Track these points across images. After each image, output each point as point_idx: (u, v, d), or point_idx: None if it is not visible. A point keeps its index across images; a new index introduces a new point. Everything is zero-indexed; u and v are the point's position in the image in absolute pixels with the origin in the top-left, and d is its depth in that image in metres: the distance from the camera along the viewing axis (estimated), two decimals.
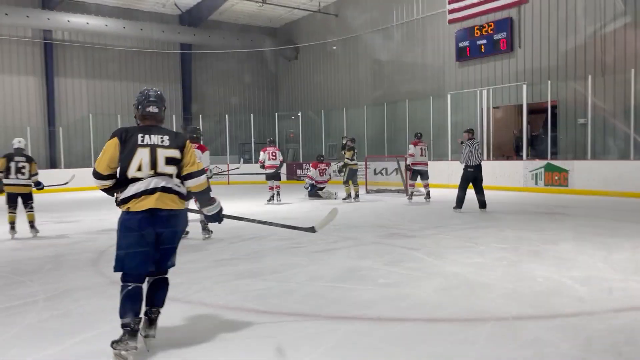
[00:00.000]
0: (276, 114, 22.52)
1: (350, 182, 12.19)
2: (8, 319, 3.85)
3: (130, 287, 3.07)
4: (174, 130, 3.69)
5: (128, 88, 21.99)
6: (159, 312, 3.30)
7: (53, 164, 19.86)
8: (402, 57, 19.26)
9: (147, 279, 3.26)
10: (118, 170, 3.17)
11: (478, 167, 9.55)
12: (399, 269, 5.19)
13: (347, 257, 5.89)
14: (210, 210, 3.42)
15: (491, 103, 16.03)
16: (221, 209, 3.46)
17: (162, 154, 3.19)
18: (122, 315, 3.03)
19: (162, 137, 3.23)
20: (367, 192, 14.27)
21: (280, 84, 25.81)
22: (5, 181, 7.66)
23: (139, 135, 3.19)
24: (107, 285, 4.77)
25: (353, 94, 21.40)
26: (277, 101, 25.89)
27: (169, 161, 3.22)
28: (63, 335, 3.47)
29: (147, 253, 3.12)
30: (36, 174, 7.89)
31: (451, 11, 17.23)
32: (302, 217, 9.38)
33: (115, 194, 3.23)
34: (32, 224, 7.86)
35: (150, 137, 3.20)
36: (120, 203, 3.16)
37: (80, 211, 11.45)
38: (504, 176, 14.08)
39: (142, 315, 3.15)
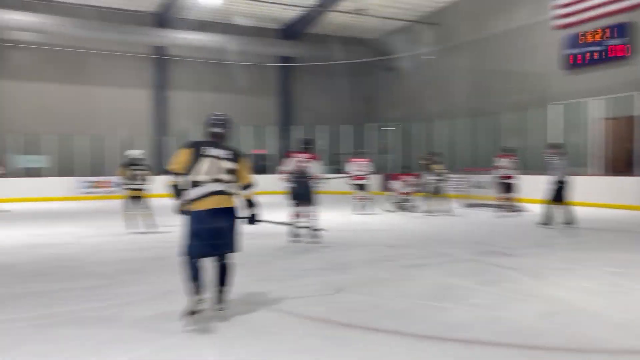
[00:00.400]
0: (370, 125, 22.50)
1: (435, 195, 11.86)
2: (113, 315, 4.12)
3: (191, 264, 3.92)
4: (236, 145, 4.34)
5: (230, 100, 23.06)
6: (227, 291, 4.13)
7: (163, 171, 21.25)
8: (502, 66, 18.45)
9: (214, 263, 4.07)
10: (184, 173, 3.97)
11: (564, 182, 9.11)
12: (495, 289, 4.90)
13: (439, 273, 5.67)
14: (251, 212, 4.24)
15: (603, 114, 14.83)
16: (256, 214, 4.27)
17: (221, 165, 3.99)
18: (188, 281, 3.93)
19: (223, 152, 4.03)
20: (463, 206, 13.76)
21: (375, 95, 25.74)
22: (127, 186, 9.07)
23: (205, 148, 4.00)
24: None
25: (449, 105, 20.83)
26: (370, 112, 25.84)
27: (227, 171, 4.01)
28: (160, 334, 3.64)
29: (207, 239, 3.91)
30: (150, 181, 9.15)
31: (559, 17, 16.24)
32: (385, 229, 9.24)
33: (179, 194, 4.00)
34: (149, 222, 9.02)
35: (213, 150, 4.00)
36: (186, 204, 3.97)
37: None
38: (615, 193, 12.93)
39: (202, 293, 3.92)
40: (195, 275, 3.91)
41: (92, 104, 20.79)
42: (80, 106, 20.60)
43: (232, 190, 4.05)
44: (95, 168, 19.22)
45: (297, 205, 7.81)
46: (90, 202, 16.22)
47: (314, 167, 7.78)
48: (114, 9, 20.53)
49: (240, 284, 5.12)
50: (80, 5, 19.93)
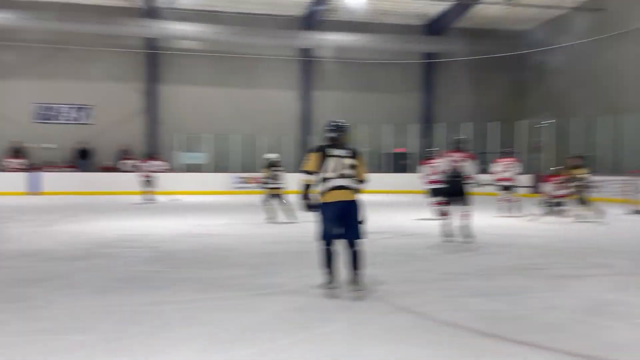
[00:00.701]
0: (520, 122, 21.09)
1: (584, 199, 10.68)
2: (257, 304, 4.37)
3: (325, 249, 4.64)
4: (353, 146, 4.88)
5: (372, 99, 23.24)
6: (360, 275, 4.59)
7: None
8: None
9: (346, 251, 4.65)
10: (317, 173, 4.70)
11: None
12: None
13: (597, 286, 5.09)
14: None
15: None
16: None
17: (344, 162, 4.69)
18: (322, 266, 4.67)
19: (343, 151, 4.75)
20: (630, 212, 12.26)
21: (526, 90, 24.06)
22: (268, 185, 10.55)
23: (330, 150, 4.74)
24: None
25: (612, 99, 18.69)
26: (520, 108, 24.20)
27: (349, 166, 4.70)
28: (298, 327, 3.78)
29: (336, 227, 4.58)
30: (286, 179, 10.56)
31: None
32: (533, 234, 8.54)
33: (310, 189, 4.73)
34: (290, 215, 10.13)
35: (335, 151, 4.73)
36: (317, 198, 4.69)
37: None
38: None
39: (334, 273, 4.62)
40: (328, 259, 4.63)
41: (244, 105, 22.38)
42: (235, 107, 22.29)
43: (355, 186, 4.71)
44: (247, 165, 20.66)
45: (448, 204, 7.72)
46: (242, 197, 17.44)
47: (469, 167, 7.66)
48: (265, 15, 21.85)
49: (380, 282, 5.13)
50: (236, 13, 21.54)
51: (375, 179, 22.02)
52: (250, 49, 21.91)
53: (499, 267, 6.06)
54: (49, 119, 20.83)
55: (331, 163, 4.68)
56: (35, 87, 20.63)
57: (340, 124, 4.95)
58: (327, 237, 4.63)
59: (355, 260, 4.61)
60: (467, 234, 7.60)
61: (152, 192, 15.22)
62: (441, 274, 5.66)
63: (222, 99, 22.21)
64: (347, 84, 23.25)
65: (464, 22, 22.61)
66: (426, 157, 11.79)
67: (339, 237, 4.63)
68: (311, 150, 4.85)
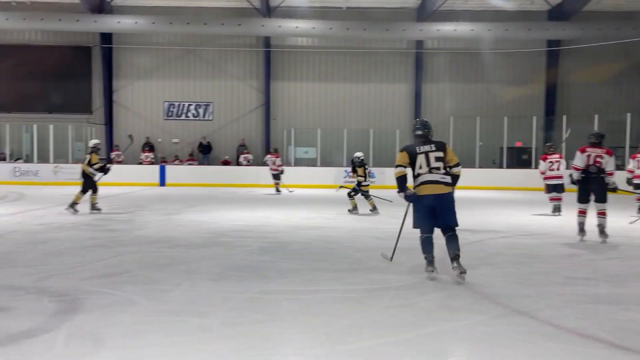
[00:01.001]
0: None
1: None
2: (366, 299, 4.36)
3: (424, 238, 5.17)
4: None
5: (489, 90, 22.19)
6: (458, 256, 4.97)
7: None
8: None
9: (445, 236, 5.10)
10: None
11: None
12: None
13: None
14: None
15: None
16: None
17: (432, 156, 5.11)
18: (424, 252, 5.14)
19: (430, 146, 5.16)
20: None
21: None
22: (363, 183, 11.05)
23: (418, 147, 5.18)
24: (451, 284, 4.87)
25: None
26: None
27: (437, 159, 5.10)
28: (405, 325, 3.71)
29: (429, 218, 5.09)
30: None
31: None
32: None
33: (403, 185, 5.20)
34: (374, 209, 10.89)
35: (423, 147, 5.16)
36: (412, 191, 5.17)
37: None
38: None
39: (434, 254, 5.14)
40: (426, 246, 5.12)
41: (356, 99, 22.50)
42: (346, 102, 22.50)
43: (446, 180, 5.10)
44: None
45: (586, 202, 7.37)
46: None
47: (609, 163, 7.21)
48: (377, 8, 21.72)
49: (494, 284, 4.89)
50: (348, 8, 21.68)
51: (493, 175, 21.19)
52: (362, 43, 21.97)
53: (632, 274, 5.48)
54: (176, 116, 22.55)
55: (421, 159, 5.13)
56: (166, 86, 22.44)
57: (425, 121, 5.39)
58: (424, 227, 5.14)
59: (452, 244, 5.00)
60: (602, 233, 7.20)
61: (278, 185, 16.43)
62: (564, 278, 5.25)
63: (333, 93, 22.52)
64: (461, 75, 22.45)
65: (594, 4, 20.71)
66: (547, 151, 11.14)
67: (434, 226, 5.13)
68: (402, 149, 5.31)
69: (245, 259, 6.07)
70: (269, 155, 17.05)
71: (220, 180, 19.38)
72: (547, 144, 11.36)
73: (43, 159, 20.79)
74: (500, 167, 20.64)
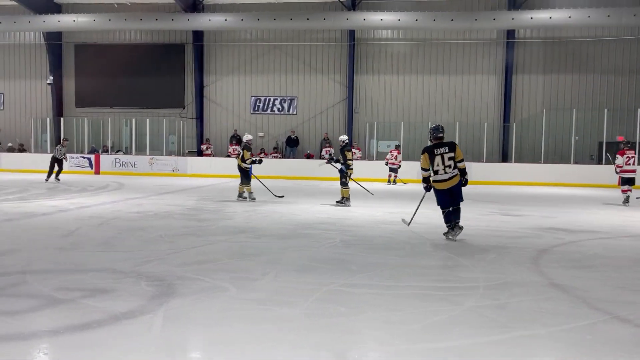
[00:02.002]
0: None
1: None
2: (453, 299, 4.23)
3: (445, 212, 7.02)
4: None
5: (587, 81, 20.78)
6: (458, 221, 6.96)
7: (504, 158, 20.87)
8: None
9: (451, 208, 7.00)
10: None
11: None
12: None
13: None
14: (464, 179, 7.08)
15: None
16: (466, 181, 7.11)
17: (446, 156, 6.86)
18: (446, 222, 7.01)
19: (444, 148, 6.90)
20: None
21: None
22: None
23: (435, 149, 6.91)
24: (545, 285, 4.62)
25: None
26: None
27: (449, 159, 6.85)
28: (497, 326, 3.55)
29: (447, 199, 6.99)
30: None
31: None
32: None
33: (427, 182, 7.15)
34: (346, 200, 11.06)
35: (438, 149, 6.89)
36: (432, 186, 7.11)
37: (526, 206, 11.56)
38: None
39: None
40: (449, 218, 6.99)
41: (442, 92, 21.92)
42: (432, 95, 21.98)
43: (455, 173, 6.91)
44: None
45: None
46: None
47: None
48: None
49: (594, 288, 4.58)
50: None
51: (591, 171, 19.91)
52: (448, 34, 21.35)
53: None
54: (262, 111, 23.16)
55: (437, 159, 6.87)
56: (253, 81, 23.11)
57: (439, 126, 7.08)
58: (445, 206, 7.03)
59: (457, 214, 7.02)
60: None
61: (394, 178, 17.89)
62: None
63: (418, 86, 22.08)
64: (555, 66, 21.18)
65: None
66: (623, 146, 11.95)
67: (451, 205, 7.00)
68: (424, 151, 7.03)
69: (329, 251, 6.11)
70: (393, 152, 17.97)
71: (304, 174, 19.67)
72: (624, 141, 12.35)
73: (140, 150, 22.18)
74: (599, 163, 19.29)
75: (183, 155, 22.72)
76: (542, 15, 19.22)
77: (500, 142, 21.34)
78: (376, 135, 21.43)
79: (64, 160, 16.66)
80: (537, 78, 21.34)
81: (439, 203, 7.05)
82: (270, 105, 23.13)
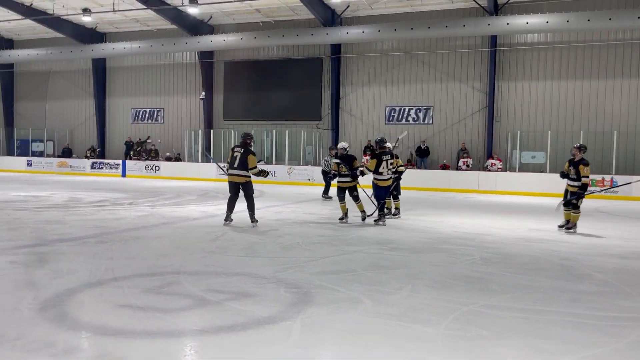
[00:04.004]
0: None
1: None
2: (611, 330, 3.77)
3: (382, 202, 9.54)
4: None
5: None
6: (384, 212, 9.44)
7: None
8: None
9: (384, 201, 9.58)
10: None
11: None
12: None
13: None
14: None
15: None
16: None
17: (390, 162, 9.49)
18: (380, 210, 9.51)
19: (388, 155, 9.45)
20: None
21: None
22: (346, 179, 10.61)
23: (382, 156, 9.37)
24: None
25: None
26: None
27: (391, 164, 9.53)
28: None
29: (384, 195, 9.60)
30: None
31: None
32: None
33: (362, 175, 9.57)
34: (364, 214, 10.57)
35: (384, 156, 9.39)
36: (376, 181, 9.54)
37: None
38: None
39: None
40: (383, 207, 9.42)
41: (594, 98, 19.97)
42: (583, 101, 20.12)
43: (392, 176, 9.59)
44: (597, 165, 18.39)
45: None
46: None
47: None
48: None
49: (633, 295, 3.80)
50: None
51: None
52: (603, 35, 19.43)
53: None
54: (396, 121, 23.06)
55: (384, 164, 9.27)
56: (388, 91, 23.12)
57: (384, 138, 9.59)
58: (381, 198, 9.38)
59: (383, 206, 9.43)
60: None
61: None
62: None
63: (566, 92, 20.34)
64: None
65: None
66: None
67: (385, 197, 9.46)
68: (374, 157, 9.37)
69: (468, 268, 5.83)
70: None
71: (438, 185, 19.14)
72: None
73: (279, 160, 23.30)
74: None
75: (319, 165, 23.43)
76: None
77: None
78: (519, 145, 20.10)
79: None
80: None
81: (377, 195, 9.41)
82: (405, 115, 22.91)
